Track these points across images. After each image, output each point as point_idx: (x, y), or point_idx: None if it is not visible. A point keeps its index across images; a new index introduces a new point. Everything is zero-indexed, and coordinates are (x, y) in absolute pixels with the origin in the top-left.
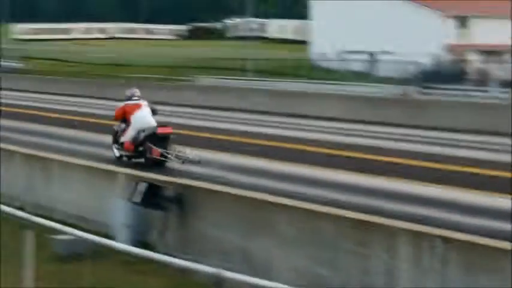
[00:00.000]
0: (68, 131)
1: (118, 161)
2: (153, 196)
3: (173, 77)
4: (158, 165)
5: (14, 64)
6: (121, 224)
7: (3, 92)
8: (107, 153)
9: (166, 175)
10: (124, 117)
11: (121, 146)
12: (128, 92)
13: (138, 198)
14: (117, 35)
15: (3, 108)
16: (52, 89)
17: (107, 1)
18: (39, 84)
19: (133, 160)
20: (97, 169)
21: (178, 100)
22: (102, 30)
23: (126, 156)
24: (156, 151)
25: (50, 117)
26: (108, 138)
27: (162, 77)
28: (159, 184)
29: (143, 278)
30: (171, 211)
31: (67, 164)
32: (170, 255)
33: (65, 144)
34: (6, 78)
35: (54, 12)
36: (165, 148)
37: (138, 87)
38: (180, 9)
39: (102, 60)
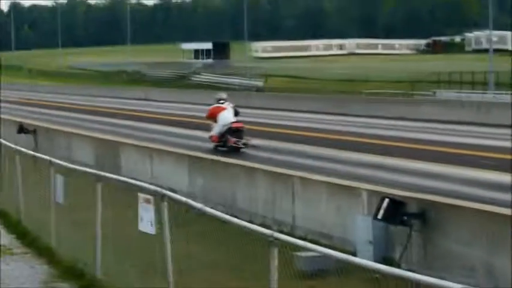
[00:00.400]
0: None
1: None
2: (396, 212)
3: (413, 92)
4: (235, 150)
5: (254, 82)
6: (364, 241)
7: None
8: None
9: (409, 191)
10: (213, 117)
11: (210, 138)
12: (217, 96)
13: (381, 215)
14: (356, 51)
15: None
16: (284, 106)
17: (346, 17)
18: (273, 102)
19: (219, 148)
20: (339, 185)
21: (417, 115)
22: (341, 47)
23: (215, 146)
24: (231, 140)
25: (281, 132)
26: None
27: (401, 92)
28: (402, 200)
29: None
30: (414, 227)
31: (308, 180)
32: (413, 271)
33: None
34: (243, 96)
35: (294, 29)
36: (238, 138)
37: (376, 102)
38: (418, 23)
39: (340, 76)
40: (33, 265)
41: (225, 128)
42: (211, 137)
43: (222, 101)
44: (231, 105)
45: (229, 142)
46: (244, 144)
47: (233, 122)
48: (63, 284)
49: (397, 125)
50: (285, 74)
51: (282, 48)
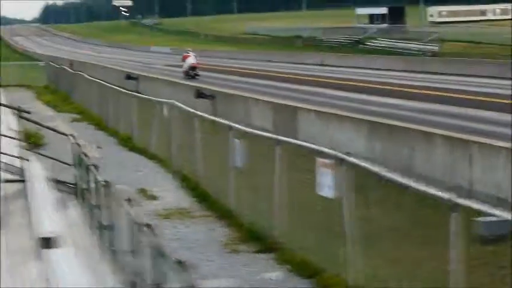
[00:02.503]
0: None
1: None
2: None
3: None
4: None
5: (429, 47)
6: None
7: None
8: None
9: None
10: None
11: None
12: (186, 50)
13: None
14: None
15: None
16: (460, 71)
17: None
18: (449, 67)
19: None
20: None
21: None
22: None
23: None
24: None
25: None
26: None
27: None
28: None
29: None
30: None
31: (487, 145)
32: None
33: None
34: (418, 61)
35: None
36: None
37: None
38: None
39: None
40: (213, 228)
41: (187, 65)
42: (182, 71)
43: (188, 52)
44: (194, 54)
45: (189, 74)
46: (196, 74)
47: (192, 63)
48: (243, 246)
49: None
50: (460, 39)
51: (457, 13)
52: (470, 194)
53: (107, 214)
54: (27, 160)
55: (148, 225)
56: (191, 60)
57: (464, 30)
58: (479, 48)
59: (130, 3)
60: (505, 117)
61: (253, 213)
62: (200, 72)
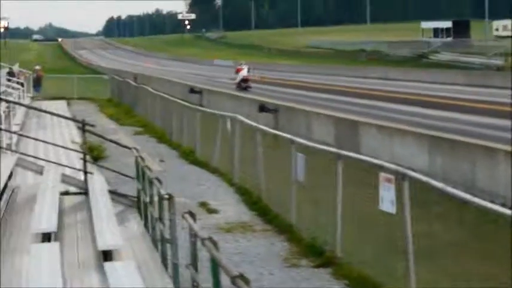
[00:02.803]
0: None
1: None
2: None
3: None
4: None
5: (494, 61)
6: None
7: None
8: None
9: None
10: (237, 72)
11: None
12: (239, 62)
13: None
14: None
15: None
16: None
17: None
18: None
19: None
20: None
21: None
22: None
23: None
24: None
25: None
26: None
27: None
28: None
29: None
30: None
31: None
32: None
33: None
34: (482, 75)
35: None
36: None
37: None
38: None
39: None
40: (273, 242)
41: (240, 78)
42: (235, 83)
43: (242, 65)
44: (247, 67)
45: (241, 86)
46: (247, 87)
47: (244, 75)
48: (303, 261)
49: None
50: None
51: None
52: None
53: (168, 227)
54: (90, 173)
55: (209, 239)
56: (244, 73)
57: None
58: None
59: (194, 16)
60: None
61: (313, 227)
62: (262, 86)
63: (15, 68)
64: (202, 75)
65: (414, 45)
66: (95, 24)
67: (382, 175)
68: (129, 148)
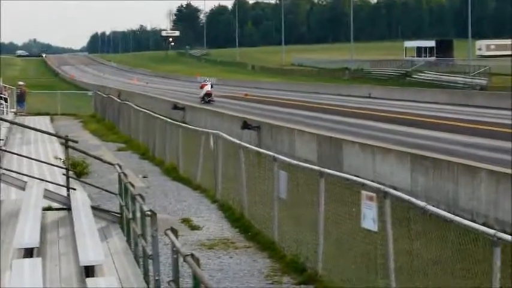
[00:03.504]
0: None
1: None
2: None
3: None
4: (207, 102)
5: (477, 81)
6: None
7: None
8: None
9: None
10: (202, 87)
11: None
12: (204, 79)
13: None
14: None
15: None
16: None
17: None
18: (497, 101)
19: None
20: None
21: None
22: None
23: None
24: (206, 99)
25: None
26: None
27: None
28: None
29: None
30: None
31: None
32: None
33: None
34: (465, 94)
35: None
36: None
37: None
38: None
39: None
40: (255, 259)
41: (203, 93)
42: (199, 97)
43: (206, 81)
44: (210, 83)
45: (205, 99)
46: (210, 100)
47: (208, 90)
48: (285, 278)
49: None
50: (509, 72)
51: (505, 47)
52: None
53: (150, 244)
54: (73, 189)
55: (191, 256)
56: (208, 88)
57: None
58: None
59: (178, 33)
60: None
61: (295, 244)
62: (251, 104)
63: None
64: (186, 92)
65: (397, 64)
66: (79, 40)
67: (364, 193)
68: (112, 164)
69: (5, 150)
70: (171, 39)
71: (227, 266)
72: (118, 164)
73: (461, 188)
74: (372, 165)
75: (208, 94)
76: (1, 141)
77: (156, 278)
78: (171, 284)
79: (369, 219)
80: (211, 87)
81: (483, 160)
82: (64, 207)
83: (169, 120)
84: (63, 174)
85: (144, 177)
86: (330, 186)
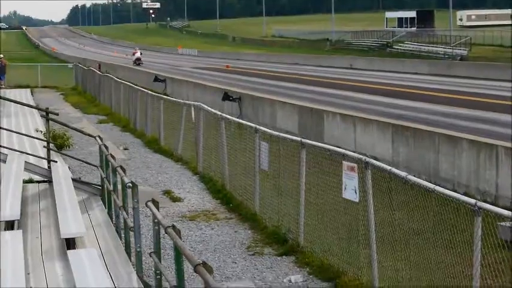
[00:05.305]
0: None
1: None
2: None
3: None
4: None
5: (458, 51)
6: None
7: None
8: None
9: None
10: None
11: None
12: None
13: None
14: None
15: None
16: (488, 75)
17: None
18: (477, 71)
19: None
20: None
21: None
22: None
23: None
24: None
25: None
26: None
27: None
28: None
29: None
30: None
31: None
32: None
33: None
34: (446, 64)
35: None
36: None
37: None
38: None
39: None
40: (237, 230)
41: (135, 58)
42: (132, 61)
43: (136, 49)
44: (140, 51)
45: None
46: (140, 63)
47: (138, 56)
48: (266, 249)
49: None
50: (489, 43)
51: (487, 17)
52: (496, 199)
53: (132, 216)
54: (54, 161)
55: (172, 227)
56: (137, 54)
57: (494, 34)
58: (509, 53)
59: (159, 5)
60: None
61: (277, 215)
62: (232, 75)
63: None
64: (167, 63)
65: (378, 34)
66: (59, 12)
67: (346, 164)
68: (93, 136)
69: None
70: (151, 11)
71: (208, 238)
72: (99, 136)
73: (442, 158)
74: (353, 136)
75: (138, 59)
76: None
77: (138, 249)
78: (152, 255)
79: (350, 189)
80: (141, 54)
81: (464, 130)
82: (45, 179)
83: (150, 92)
84: (44, 147)
85: (125, 149)
86: (311, 157)
